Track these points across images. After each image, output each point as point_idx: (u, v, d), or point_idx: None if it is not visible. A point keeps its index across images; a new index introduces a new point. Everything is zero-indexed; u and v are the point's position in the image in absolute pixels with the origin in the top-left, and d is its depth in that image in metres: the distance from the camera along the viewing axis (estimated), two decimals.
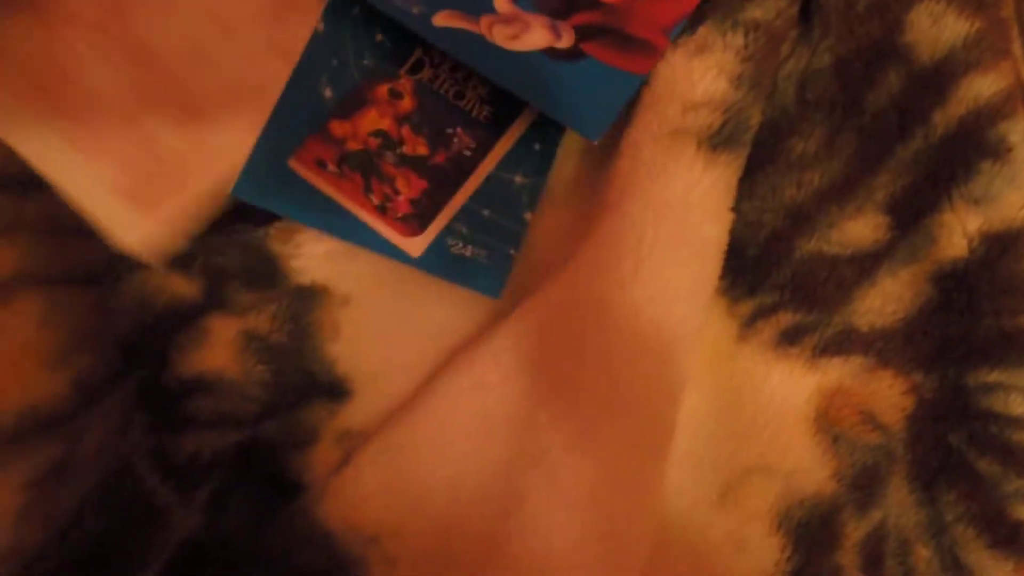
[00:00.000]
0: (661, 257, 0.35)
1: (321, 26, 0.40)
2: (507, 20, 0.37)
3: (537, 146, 0.41)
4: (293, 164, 0.39)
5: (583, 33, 0.38)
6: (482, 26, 0.37)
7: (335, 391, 0.39)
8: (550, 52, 0.37)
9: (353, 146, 0.40)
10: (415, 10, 0.37)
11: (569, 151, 0.42)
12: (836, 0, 0.41)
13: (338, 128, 0.40)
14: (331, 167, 0.39)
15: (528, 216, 0.40)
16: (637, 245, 0.36)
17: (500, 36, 0.37)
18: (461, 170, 0.40)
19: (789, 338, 0.39)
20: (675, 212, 0.36)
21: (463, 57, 0.37)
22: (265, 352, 0.38)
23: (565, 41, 0.38)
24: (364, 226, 0.39)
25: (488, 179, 0.40)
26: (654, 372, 0.35)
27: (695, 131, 0.37)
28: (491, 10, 0.37)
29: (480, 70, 0.38)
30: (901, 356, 0.38)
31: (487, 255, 0.40)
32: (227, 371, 0.37)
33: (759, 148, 0.40)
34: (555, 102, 0.38)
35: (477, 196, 0.40)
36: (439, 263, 0.39)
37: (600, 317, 0.36)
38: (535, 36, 0.37)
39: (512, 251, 0.40)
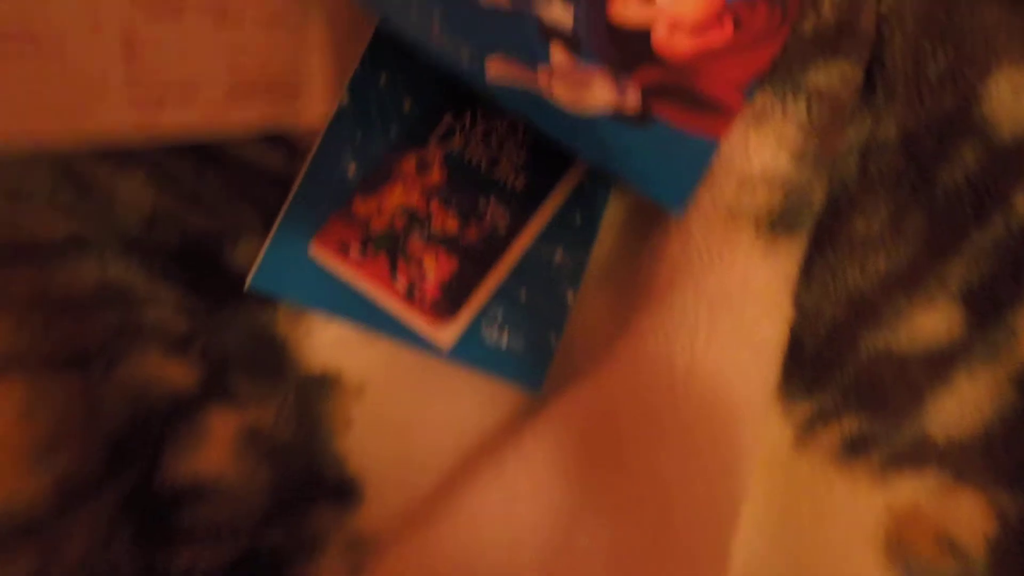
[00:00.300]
0: (716, 359, 0.31)
1: (346, 98, 0.37)
2: (566, 73, 0.33)
3: (578, 218, 0.38)
4: (314, 249, 0.35)
5: (650, 92, 0.34)
6: (540, 80, 0.33)
7: (344, 492, 0.35)
8: (618, 117, 0.34)
9: (378, 225, 0.36)
10: (465, 57, 0.32)
11: (609, 223, 0.39)
12: (903, 64, 0.37)
13: (362, 206, 0.36)
14: (354, 250, 0.36)
15: (571, 296, 0.37)
16: (690, 344, 0.32)
17: (561, 92, 0.33)
18: (495, 247, 0.37)
19: (854, 448, 0.35)
20: (732, 306, 0.32)
21: (524, 114, 0.33)
22: (268, 451, 0.34)
23: (631, 101, 0.34)
24: (389, 315, 0.35)
25: (525, 256, 0.37)
26: (708, 490, 0.31)
27: (752, 212, 0.34)
28: (547, 59, 0.33)
29: (545, 130, 0.33)
30: (982, 472, 0.34)
31: (526, 342, 0.36)
32: (225, 475, 0.33)
33: (817, 227, 0.36)
34: (630, 169, 0.34)
35: (513, 275, 0.36)
36: (472, 353, 0.35)
37: (647, 425, 0.32)
38: (598, 92, 0.34)
39: (554, 337, 0.36)
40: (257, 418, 0.34)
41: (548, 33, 0.33)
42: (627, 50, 0.34)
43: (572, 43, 0.33)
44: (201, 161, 0.38)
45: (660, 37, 0.36)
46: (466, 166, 0.37)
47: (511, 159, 0.38)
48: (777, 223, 0.33)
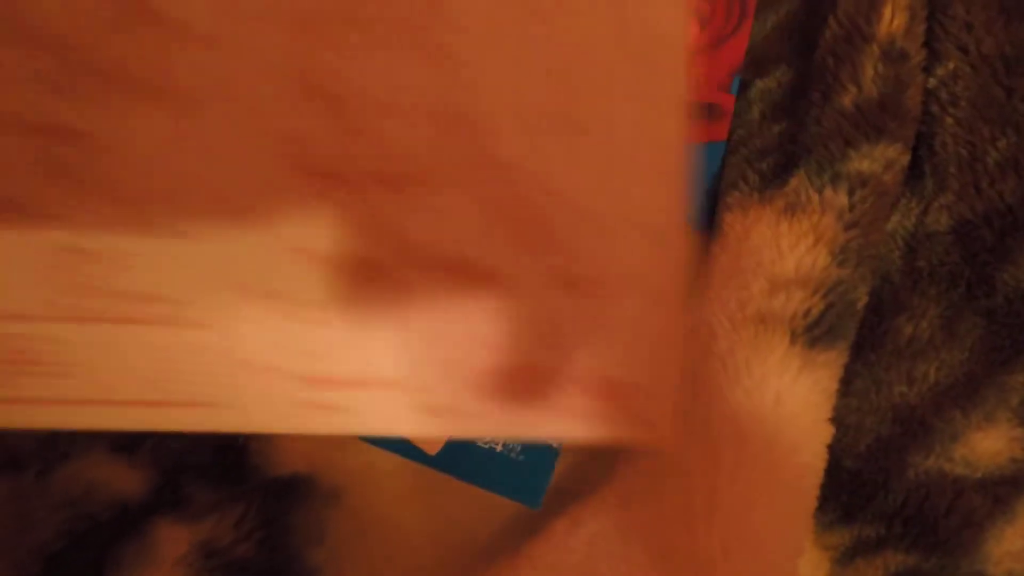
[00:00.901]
0: (743, 495, 0.27)
1: None
2: None
3: None
4: None
5: None
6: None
7: None
8: None
9: None
10: None
11: None
12: (955, 148, 0.33)
13: None
14: None
15: None
16: (712, 474, 0.27)
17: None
18: None
19: None
20: (763, 431, 0.28)
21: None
22: (226, 569, 0.30)
23: None
24: None
25: None
26: None
27: (787, 319, 0.29)
28: None
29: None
30: None
31: (524, 448, 0.31)
32: None
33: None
34: None
35: None
36: (462, 461, 0.31)
37: (662, 569, 0.27)
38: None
39: (556, 441, 0.32)
40: (215, 533, 0.30)
41: None
42: None
43: None
44: None
45: None
46: None
47: None
48: (817, 333, 0.29)
